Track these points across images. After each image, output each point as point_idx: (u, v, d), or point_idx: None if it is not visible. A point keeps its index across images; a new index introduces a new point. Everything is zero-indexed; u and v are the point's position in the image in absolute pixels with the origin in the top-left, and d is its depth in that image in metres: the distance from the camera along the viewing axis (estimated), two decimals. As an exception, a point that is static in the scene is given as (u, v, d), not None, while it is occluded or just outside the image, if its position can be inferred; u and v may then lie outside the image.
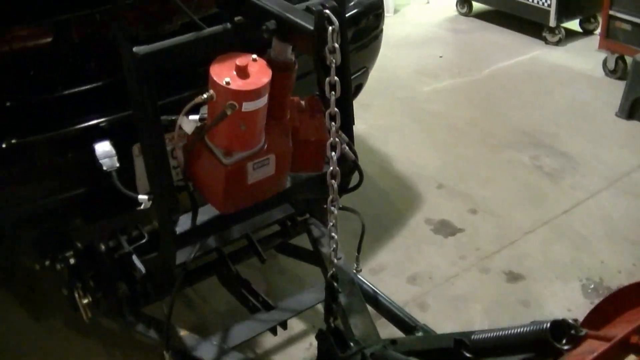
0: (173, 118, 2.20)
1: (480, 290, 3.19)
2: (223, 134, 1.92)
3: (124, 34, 1.93)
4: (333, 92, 1.85)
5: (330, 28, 1.76)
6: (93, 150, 2.32)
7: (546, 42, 5.71)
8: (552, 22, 5.57)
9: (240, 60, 1.85)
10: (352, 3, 3.14)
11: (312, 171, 2.28)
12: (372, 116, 4.57)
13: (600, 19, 5.61)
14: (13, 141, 2.27)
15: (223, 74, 1.84)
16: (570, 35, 5.79)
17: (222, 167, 1.95)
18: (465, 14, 6.34)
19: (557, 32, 5.64)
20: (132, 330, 2.61)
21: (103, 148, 2.33)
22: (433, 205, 3.76)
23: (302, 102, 2.23)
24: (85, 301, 2.58)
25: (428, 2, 6.68)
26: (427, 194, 3.85)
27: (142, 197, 2.21)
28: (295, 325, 2.93)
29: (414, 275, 3.29)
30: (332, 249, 2.13)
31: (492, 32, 6.01)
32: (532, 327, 1.76)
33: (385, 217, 3.63)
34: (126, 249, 2.49)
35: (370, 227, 3.40)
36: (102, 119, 2.40)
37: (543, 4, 5.56)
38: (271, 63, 1.96)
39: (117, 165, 2.30)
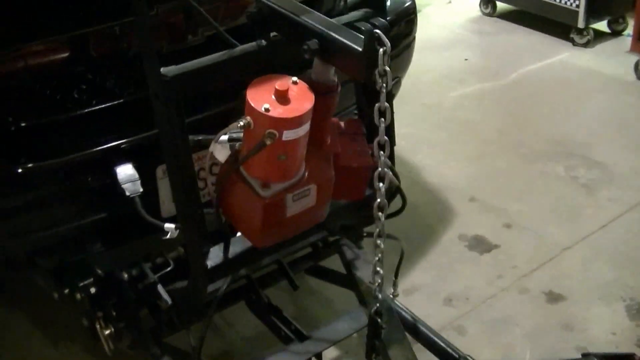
0: (200, 138, 2.05)
1: (519, 313, 3.03)
2: (260, 165, 1.76)
3: (150, 52, 1.76)
4: (382, 119, 1.68)
5: (381, 50, 1.60)
6: (115, 174, 2.17)
7: (574, 43, 5.51)
8: (581, 23, 5.38)
9: (280, 84, 1.69)
10: (383, 9, 2.97)
11: (352, 198, 2.12)
12: (398, 124, 4.29)
13: (629, 20, 5.45)
14: (29, 165, 2.13)
15: (261, 99, 1.68)
16: (599, 36, 5.58)
17: (259, 200, 1.79)
18: (489, 15, 6.14)
19: (585, 33, 5.45)
20: (157, 363, 2.46)
21: (125, 172, 2.19)
22: (466, 220, 3.60)
23: (342, 124, 2.07)
24: (107, 332, 2.44)
25: (450, 2, 6.48)
26: (459, 208, 3.69)
27: (169, 225, 2.07)
28: (328, 353, 2.76)
29: (450, 296, 3.13)
30: (376, 284, 1.97)
31: (518, 34, 5.81)
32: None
33: (417, 233, 3.46)
34: (151, 278, 2.34)
35: (398, 250, 3.26)
36: (123, 140, 2.25)
37: (571, 4, 5.37)
38: (312, 85, 1.80)
39: (141, 190, 2.16)
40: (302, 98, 1.72)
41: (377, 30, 1.60)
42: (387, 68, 1.62)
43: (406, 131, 4.34)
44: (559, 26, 5.60)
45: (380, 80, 1.63)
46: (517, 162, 4.08)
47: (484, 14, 6.19)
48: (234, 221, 1.94)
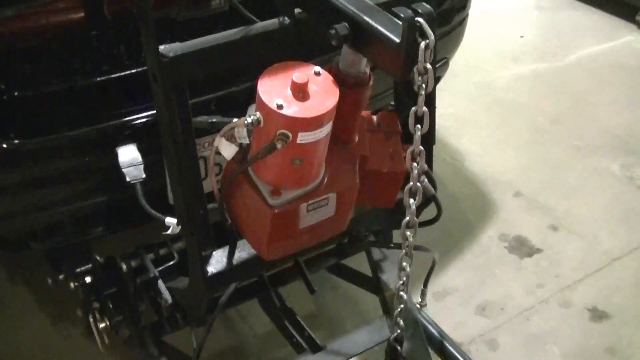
0: (214, 120, 1.78)
1: (559, 330, 2.75)
2: (271, 169, 1.49)
3: (147, 22, 1.47)
4: (419, 126, 1.40)
5: (422, 43, 1.31)
6: (116, 156, 1.91)
7: (639, 26, 5.10)
8: (649, 5, 4.98)
9: (298, 75, 1.40)
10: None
11: (381, 206, 1.83)
12: (445, 103, 4.06)
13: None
14: (15, 141, 1.87)
15: (274, 93, 1.40)
16: (667, 20, 5.18)
17: (267, 209, 1.52)
18: (550, -11, 5.75)
19: (653, 16, 5.05)
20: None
21: (128, 154, 1.92)
22: (509, 218, 3.30)
23: (374, 118, 1.78)
24: (101, 325, 2.21)
25: (509, -28, 6.08)
26: (503, 203, 3.38)
27: (170, 220, 1.79)
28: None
29: (484, 304, 2.85)
30: (398, 309, 1.71)
31: (579, 11, 5.39)
32: None
33: (455, 229, 3.17)
34: (151, 273, 2.10)
35: (437, 239, 2.97)
36: (129, 117, 1.99)
37: (640, -17, 4.97)
38: (339, 76, 1.51)
39: (143, 176, 1.89)
40: (324, 94, 1.43)
41: (420, 19, 1.31)
42: (429, 66, 1.33)
43: (452, 111, 4.04)
44: (624, 6, 5.18)
45: (419, 80, 1.34)
46: (569, 155, 3.75)
47: (545, -13, 5.79)
48: (240, 227, 1.68)
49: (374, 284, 2.47)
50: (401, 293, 1.66)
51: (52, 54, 1.97)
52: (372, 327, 2.29)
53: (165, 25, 2.04)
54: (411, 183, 1.47)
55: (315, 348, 2.22)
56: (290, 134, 1.39)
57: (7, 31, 1.87)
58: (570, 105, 4.20)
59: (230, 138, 1.64)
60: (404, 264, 1.60)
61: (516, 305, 2.84)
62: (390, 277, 2.43)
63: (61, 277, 2.24)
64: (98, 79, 2.01)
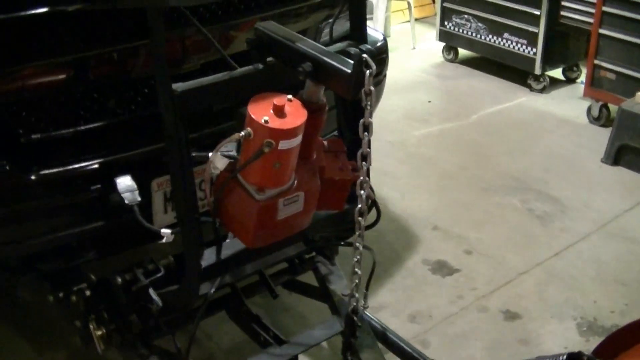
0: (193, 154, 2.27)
1: (479, 329, 3.26)
2: (257, 172, 1.98)
3: (163, 69, 1.98)
4: (366, 133, 1.93)
5: (367, 72, 1.85)
6: (114, 185, 2.36)
7: (531, 89, 5.86)
8: (537, 70, 5.74)
9: (277, 100, 1.93)
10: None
11: (333, 209, 2.35)
12: (365, 158, 4.64)
13: (582, 68, 5.82)
14: (40, 173, 2.31)
15: (261, 112, 1.91)
16: (554, 82, 5.96)
17: (254, 203, 2.01)
18: (451, 60, 6.50)
19: (541, 79, 5.81)
20: (145, 364, 2.64)
21: (125, 182, 2.38)
22: (429, 246, 3.85)
23: (325, 143, 2.31)
24: (99, 333, 2.61)
25: (414, 48, 6.82)
26: (423, 236, 3.94)
27: (165, 231, 2.27)
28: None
29: (414, 313, 3.35)
30: (354, 284, 2.21)
31: (478, 79, 6.17)
32: (548, 360, 1.85)
33: (384, 257, 3.70)
34: (143, 282, 2.53)
35: (369, 266, 3.46)
36: (123, 154, 2.45)
37: (529, 52, 5.73)
38: (303, 104, 2.04)
39: (139, 199, 2.35)
40: (296, 113, 1.96)
41: (365, 55, 1.86)
42: (372, 88, 1.87)
43: (372, 165, 4.58)
44: (516, 72, 5.98)
45: (366, 99, 1.88)
46: (476, 195, 4.37)
47: (446, 59, 6.55)
48: (229, 223, 2.16)
49: (323, 293, 2.95)
50: (356, 269, 2.15)
51: (60, 104, 2.43)
52: (326, 324, 2.74)
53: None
54: (361, 177, 1.99)
55: (281, 343, 2.66)
56: (273, 142, 1.90)
57: (20, 86, 2.34)
58: (474, 155, 4.85)
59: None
60: (357, 244, 2.10)
61: (441, 313, 3.35)
62: (336, 286, 2.91)
63: (61, 294, 2.63)
64: (98, 124, 2.48)
